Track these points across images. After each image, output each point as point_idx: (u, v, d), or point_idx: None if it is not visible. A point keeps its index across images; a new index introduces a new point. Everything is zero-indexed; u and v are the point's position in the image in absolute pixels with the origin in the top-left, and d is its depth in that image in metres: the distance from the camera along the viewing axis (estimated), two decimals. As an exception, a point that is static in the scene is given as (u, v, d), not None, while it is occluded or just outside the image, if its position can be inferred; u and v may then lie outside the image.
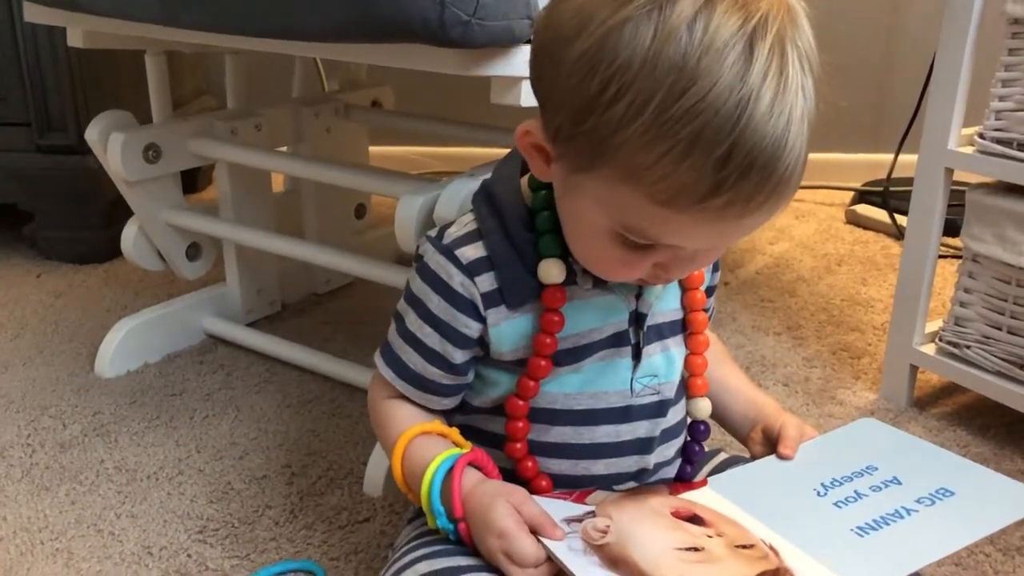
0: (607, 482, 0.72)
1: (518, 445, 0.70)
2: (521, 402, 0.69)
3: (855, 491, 0.69)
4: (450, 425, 0.75)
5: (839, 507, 0.67)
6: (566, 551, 0.61)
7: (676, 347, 0.73)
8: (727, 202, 0.54)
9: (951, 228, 1.09)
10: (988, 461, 1.01)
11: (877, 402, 1.13)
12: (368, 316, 1.37)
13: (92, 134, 1.15)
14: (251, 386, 1.17)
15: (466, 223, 0.69)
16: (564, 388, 0.69)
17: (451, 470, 0.66)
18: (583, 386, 0.69)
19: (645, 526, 0.66)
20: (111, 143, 1.13)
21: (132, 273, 1.51)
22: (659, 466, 0.73)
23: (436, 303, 0.67)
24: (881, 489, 0.69)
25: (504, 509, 0.62)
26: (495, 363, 0.70)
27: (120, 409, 1.12)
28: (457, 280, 0.66)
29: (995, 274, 1.02)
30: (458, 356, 0.68)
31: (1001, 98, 0.98)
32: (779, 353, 1.26)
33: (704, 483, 0.71)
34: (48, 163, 1.52)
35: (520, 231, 0.66)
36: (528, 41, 0.79)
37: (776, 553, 0.63)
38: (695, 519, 0.67)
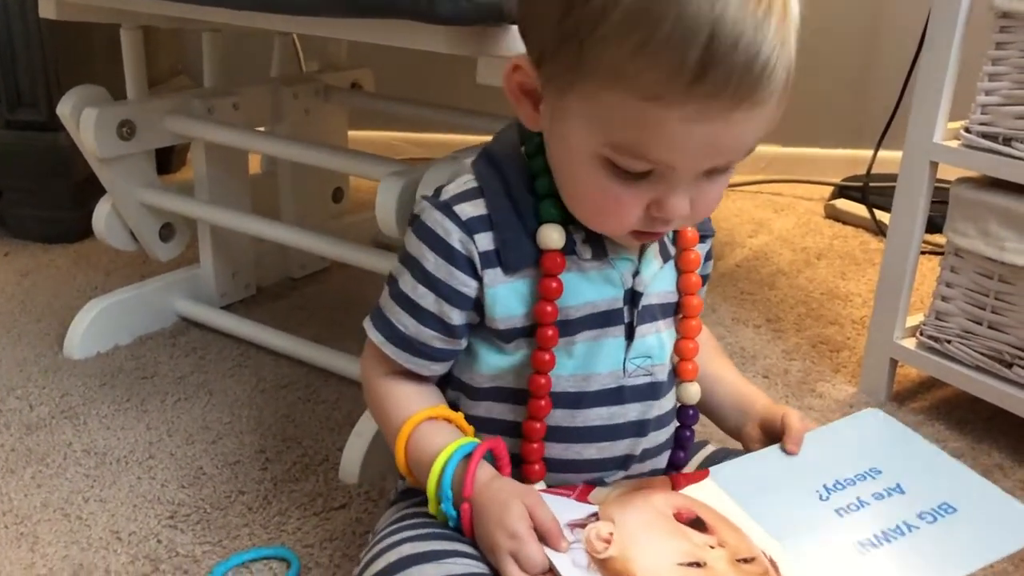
0: (599, 467, 0.71)
1: (537, 425, 0.68)
2: (543, 379, 0.66)
3: (857, 498, 0.68)
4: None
5: (840, 515, 0.66)
6: (570, 567, 0.60)
7: (668, 329, 0.72)
8: (713, 90, 0.53)
9: (932, 225, 1.09)
10: (966, 455, 1.01)
11: (856, 395, 1.13)
12: (344, 301, 1.35)
13: (64, 108, 1.12)
14: (224, 370, 1.15)
15: (465, 181, 0.67)
16: (557, 370, 0.68)
17: (469, 455, 0.65)
18: (576, 368, 0.68)
19: (648, 534, 0.64)
20: (84, 118, 1.10)
21: (103, 253, 1.47)
22: (648, 452, 0.72)
23: (433, 261, 0.65)
24: (883, 498, 0.68)
25: (520, 511, 0.61)
26: (484, 334, 0.68)
27: (89, 391, 1.09)
28: (456, 237, 0.64)
29: (977, 269, 1.02)
30: (456, 316, 0.66)
31: (987, 92, 0.98)
32: (759, 345, 1.26)
33: (705, 474, 0.70)
34: (17, 140, 1.48)
35: (522, 191, 0.65)
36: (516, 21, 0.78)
37: (776, 569, 0.62)
38: (698, 522, 0.66)
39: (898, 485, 0.69)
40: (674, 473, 0.72)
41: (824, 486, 0.69)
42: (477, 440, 0.67)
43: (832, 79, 1.89)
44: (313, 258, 1.41)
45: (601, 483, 0.72)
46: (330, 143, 1.32)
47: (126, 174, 1.18)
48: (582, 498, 0.68)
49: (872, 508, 0.67)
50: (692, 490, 0.70)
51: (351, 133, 1.54)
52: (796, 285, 1.46)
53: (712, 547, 0.63)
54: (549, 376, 0.66)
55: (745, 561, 0.63)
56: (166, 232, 1.26)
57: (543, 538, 0.61)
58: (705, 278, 0.75)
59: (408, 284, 0.67)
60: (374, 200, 0.90)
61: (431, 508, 0.66)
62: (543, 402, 0.67)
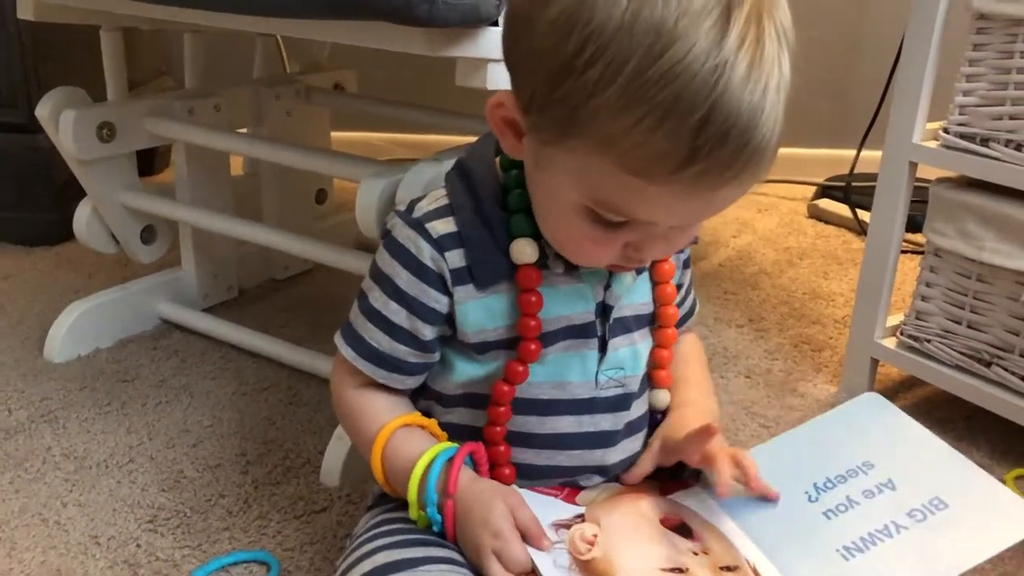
0: (571, 473, 0.71)
1: (498, 429, 0.68)
2: (507, 387, 0.67)
3: (847, 497, 0.67)
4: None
5: (828, 517, 0.66)
6: (551, 567, 0.61)
7: (643, 340, 0.72)
8: (702, 171, 0.53)
9: (912, 224, 1.09)
10: (946, 454, 1.01)
11: (838, 395, 1.14)
12: (327, 303, 1.35)
13: (43, 111, 1.12)
14: (206, 372, 1.15)
15: (437, 197, 0.67)
16: (530, 378, 0.68)
17: (451, 458, 0.65)
18: (548, 376, 0.68)
19: (633, 538, 0.65)
20: (63, 120, 1.10)
21: (84, 256, 1.46)
22: (626, 462, 0.72)
23: (405, 278, 0.66)
24: (873, 496, 0.67)
25: (503, 510, 0.62)
26: (458, 346, 0.68)
27: (69, 395, 1.09)
28: (427, 255, 0.65)
29: (956, 269, 1.02)
30: (428, 332, 0.67)
31: (965, 93, 0.98)
32: (741, 345, 1.26)
33: (694, 481, 0.70)
34: (-3, 141, 1.47)
35: (493, 209, 0.65)
36: (495, 23, 0.78)
37: None
38: (683, 528, 0.66)
39: (889, 480, 0.68)
40: (664, 479, 0.72)
41: (815, 485, 0.68)
42: (456, 445, 0.67)
43: (815, 80, 1.90)
44: (296, 260, 1.41)
45: (580, 486, 0.72)
46: (312, 144, 1.31)
47: (106, 176, 1.17)
48: (569, 499, 0.69)
49: (861, 508, 0.66)
50: (680, 496, 0.70)
51: (334, 134, 1.54)
52: (779, 285, 1.47)
53: (696, 553, 0.64)
54: (514, 386, 0.67)
55: (728, 569, 0.63)
56: (148, 234, 1.25)
57: (525, 538, 0.62)
58: (681, 287, 0.75)
59: (379, 300, 0.67)
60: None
61: (412, 513, 0.66)
62: (503, 408, 0.67)
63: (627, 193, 0.55)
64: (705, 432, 0.66)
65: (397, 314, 0.66)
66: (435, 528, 0.65)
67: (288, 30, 0.91)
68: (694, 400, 0.74)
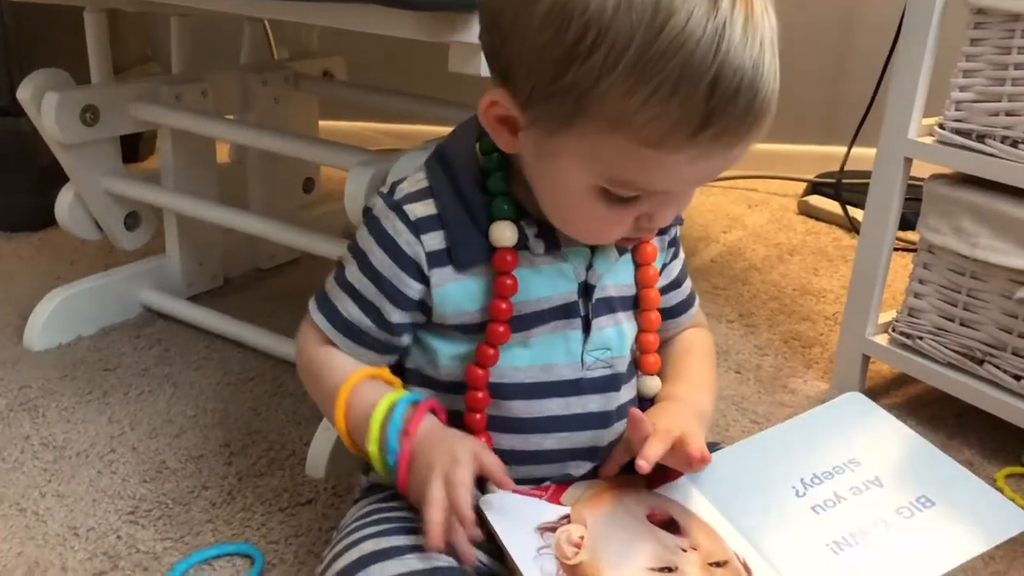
0: (560, 458, 0.70)
1: (477, 416, 0.68)
2: (481, 371, 0.67)
3: (835, 492, 0.67)
4: None
5: (816, 512, 0.66)
6: (538, 574, 0.60)
7: (628, 321, 0.72)
8: (718, 132, 0.54)
9: (904, 222, 1.08)
10: (937, 452, 1.01)
11: (828, 391, 1.13)
12: (313, 293, 1.32)
13: (25, 93, 1.09)
14: (190, 362, 1.13)
15: (418, 180, 0.68)
16: (514, 362, 0.68)
17: (415, 402, 0.65)
18: (533, 360, 0.68)
19: (620, 537, 0.64)
20: (45, 103, 1.07)
21: (67, 242, 1.44)
22: (614, 444, 0.71)
23: (379, 257, 0.66)
24: (861, 492, 0.67)
25: (469, 452, 0.62)
26: (437, 329, 0.68)
27: (49, 383, 1.07)
28: (404, 238, 0.65)
29: (950, 266, 1.02)
30: (395, 315, 0.67)
31: (962, 88, 0.97)
32: (731, 340, 1.25)
33: (680, 473, 0.69)
34: (-23, 125, 1.44)
35: (473, 191, 0.65)
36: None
37: (749, 573, 0.62)
38: (671, 524, 0.65)
39: (876, 478, 0.68)
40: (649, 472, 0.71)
41: (802, 480, 0.68)
42: (419, 394, 0.67)
43: (806, 76, 1.89)
44: (282, 249, 1.39)
45: (570, 478, 0.71)
46: (300, 132, 1.29)
47: (90, 161, 1.15)
48: (554, 499, 0.67)
49: (849, 504, 0.66)
50: (667, 489, 0.69)
51: (322, 123, 1.52)
52: (769, 281, 1.46)
53: (684, 550, 0.63)
54: (488, 369, 0.67)
55: (718, 565, 0.62)
56: (131, 221, 1.23)
57: (490, 476, 0.62)
58: (666, 269, 0.75)
59: (354, 275, 0.68)
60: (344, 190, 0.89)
61: (371, 452, 0.64)
62: (480, 394, 0.67)
63: (643, 167, 0.56)
64: (636, 421, 0.66)
65: (368, 290, 0.67)
66: (389, 480, 0.64)
67: (276, 12, 0.89)
68: (677, 395, 0.73)
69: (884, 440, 0.72)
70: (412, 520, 0.65)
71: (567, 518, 0.66)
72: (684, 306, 0.78)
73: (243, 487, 0.90)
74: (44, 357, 1.12)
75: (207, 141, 1.23)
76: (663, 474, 0.70)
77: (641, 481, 0.69)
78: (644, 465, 0.63)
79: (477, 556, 0.67)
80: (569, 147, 0.58)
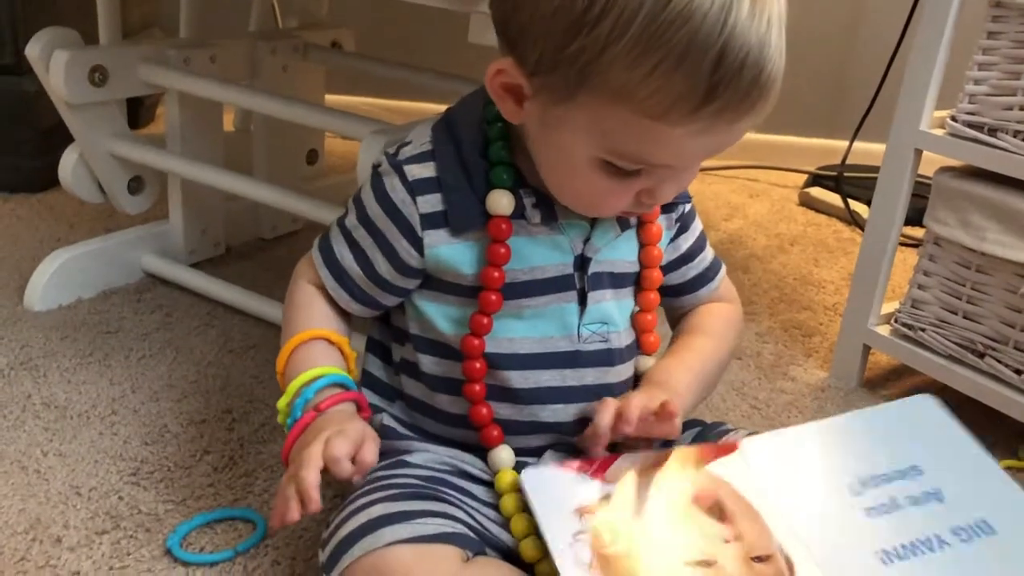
0: (558, 429, 0.71)
1: (476, 387, 0.68)
2: (476, 340, 0.68)
3: (891, 498, 0.64)
4: (396, 360, 0.74)
5: (870, 516, 0.62)
6: (571, 565, 0.59)
7: (627, 298, 0.72)
8: (721, 107, 0.55)
9: (907, 218, 1.08)
10: (935, 443, 1.01)
11: (828, 380, 1.14)
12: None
13: (34, 50, 1.08)
14: (191, 328, 1.12)
15: (423, 143, 0.68)
16: (509, 333, 0.68)
17: (341, 384, 0.67)
18: (529, 331, 0.69)
19: (660, 525, 0.62)
20: (54, 61, 1.06)
21: (68, 204, 1.43)
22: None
23: (375, 211, 0.68)
24: (919, 503, 0.63)
25: (359, 431, 0.62)
26: (431, 294, 0.69)
27: (51, 343, 1.06)
28: (399, 196, 0.67)
29: (955, 258, 1.02)
30: (382, 267, 0.68)
31: (976, 81, 0.97)
32: (732, 327, 1.25)
33: (735, 447, 0.67)
34: (-20, 83, 1.43)
35: (474, 157, 0.66)
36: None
37: (792, 571, 0.60)
38: (717, 508, 0.63)
39: (937, 491, 0.64)
40: (703, 444, 0.69)
41: (859, 479, 0.65)
42: (355, 383, 0.69)
43: (811, 69, 1.89)
44: (285, 219, 1.39)
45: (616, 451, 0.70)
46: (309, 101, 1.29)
47: (96, 122, 1.14)
48: (599, 474, 0.66)
49: (905, 513, 0.63)
50: (718, 466, 0.66)
51: (329, 97, 1.51)
52: (770, 270, 1.46)
53: (727, 541, 0.61)
54: (483, 338, 0.68)
55: (759, 559, 0.60)
56: (135, 185, 1.22)
57: (358, 466, 0.61)
58: (672, 243, 0.75)
59: (351, 222, 0.70)
60: (348, 164, 0.89)
61: (280, 402, 0.68)
62: (477, 364, 0.68)
63: (645, 140, 0.57)
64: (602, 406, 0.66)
65: (363, 239, 0.69)
66: (286, 430, 0.67)
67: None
68: (657, 380, 0.72)
69: (951, 452, 0.67)
70: (421, 486, 0.66)
71: (609, 499, 0.64)
72: (702, 280, 0.78)
73: (245, 453, 0.90)
74: (45, 317, 1.12)
75: (214, 106, 1.23)
76: (718, 448, 0.68)
77: (693, 455, 0.67)
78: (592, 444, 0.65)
79: (484, 524, 0.67)
80: (573, 118, 0.58)
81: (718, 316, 0.78)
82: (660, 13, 0.52)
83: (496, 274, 0.66)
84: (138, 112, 1.79)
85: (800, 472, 0.66)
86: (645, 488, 0.65)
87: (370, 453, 0.61)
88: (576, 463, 0.66)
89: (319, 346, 0.70)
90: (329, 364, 0.69)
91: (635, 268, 0.72)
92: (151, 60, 1.14)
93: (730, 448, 0.67)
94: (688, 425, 0.78)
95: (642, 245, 0.72)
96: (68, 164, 1.17)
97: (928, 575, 0.59)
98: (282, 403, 0.68)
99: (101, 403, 0.96)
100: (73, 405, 0.95)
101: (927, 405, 0.71)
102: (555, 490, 0.64)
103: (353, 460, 0.60)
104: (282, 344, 0.71)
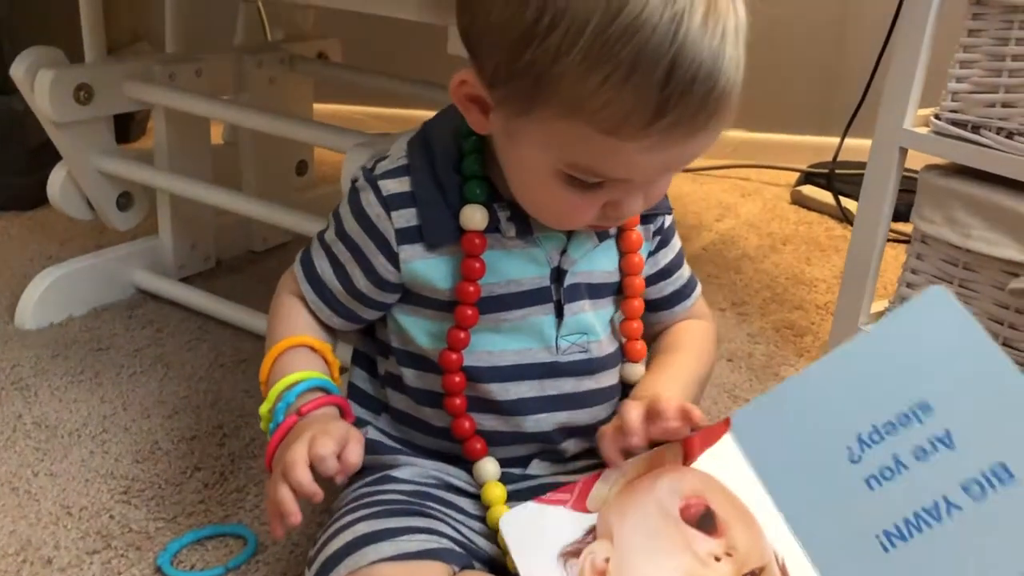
0: (541, 438, 0.71)
1: (456, 400, 0.68)
2: (454, 355, 0.68)
3: (894, 456, 0.57)
4: (382, 373, 0.74)
5: (871, 487, 0.57)
6: None
7: (606, 308, 0.72)
8: (672, 122, 0.54)
9: (897, 214, 1.09)
10: (926, 441, 1.01)
11: (820, 380, 1.13)
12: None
13: (19, 70, 1.08)
14: (182, 343, 1.12)
15: (399, 158, 0.68)
16: (487, 347, 0.68)
17: (323, 389, 0.67)
18: (507, 344, 0.69)
19: (649, 550, 0.60)
20: (39, 80, 1.07)
21: (58, 222, 1.43)
22: (594, 427, 0.71)
23: (351, 225, 0.68)
24: (926, 456, 0.56)
25: (343, 430, 0.62)
26: (410, 308, 0.69)
27: (41, 362, 1.06)
28: (374, 211, 0.67)
29: (943, 256, 1.02)
30: (360, 281, 0.68)
31: (959, 79, 0.98)
32: (724, 329, 1.26)
33: (724, 428, 0.63)
34: (-32, 103, 1.43)
35: (448, 172, 0.66)
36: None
37: None
38: (707, 519, 0.61)
39: (947, 433, 0.56)
40: (689, 435, 0.65)
41: (859, 438, 0.58)
42: (339, 388, 0.69)
43: (801, 66, 1.89)
44: (275, 232, 1.39)
45: (555, 454, 0.71)
46: (295, 114, 1.29)
47: (83, 140, 1.14)
48: (580, 503, 0.64)
49: (910, 474, 0.56)
50: (708, 459, 0.63)
51: (317, 107, 1.51)
52: (762, 270, 1.46)
53: (718, 559, 0.59)
54: (460, 352, 0.68)
55: (753, 574, 0.58)
56: (124, 201, 1.22)
57: (343, 464, 0.60)
58: (653, 258, 0.74)
59: (331, 236, 0.70)
60: (339, 174, 0.89)
61: (262, 408, 0.68)
62: (456, 377, 0.68)
63: (601, 154, 0.56)
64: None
65: (341, 253, 0.69)
66: (267, 434, 0.66)
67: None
68: (643, 395, 0.70)
69: (966, 365, 0.57)
70: (406, 503, 0.66)
71: (593, 532, 0.63)
72: (678, 297, 0.77)
73: (236, 468, 0.90)
74: (36, 336, 1.12)
75: (201, 121, 1.23)
76: (704, 435, 0.64)
77: (678, 452, 0.64)
78: (636, 440, 0.62)
79: (471, 537, 0.67)
80: (532, 130, 0.58)
81: (696, 333, 0.78)
82: (609, 25, 0.51)
83: (471, 288, 0.66)
84: (128, 126, 1.79)
85: (792, 440, 0.60)
86: (630, 506, 0.63)
87: (354, 453, 0.61)
88: (555, 495, 0.65)
89: (301, 352, 0.70)
90: (311, 369, 0.69)
91: (614, 278, 0.72)
92: (136, 76, 1.15)
93: (719, 431, 0.63)
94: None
95: (623, 253, 0.71)
96: (56, 182, 1.18)
97: (932, 560, 0.54)
98: (264, 409, 0.68)
99: (92, 421, 0.96)
100: (64, 424, 0.95)
101: (939, 302, 0.60)
102: (537, 533, 0.63)
103: (338, 458, 0.60)
104: (265, 353, 0.71)
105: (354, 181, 0.70)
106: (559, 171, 0.59)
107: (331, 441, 0.60)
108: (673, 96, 0.52)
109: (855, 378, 0.60)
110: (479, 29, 0.58)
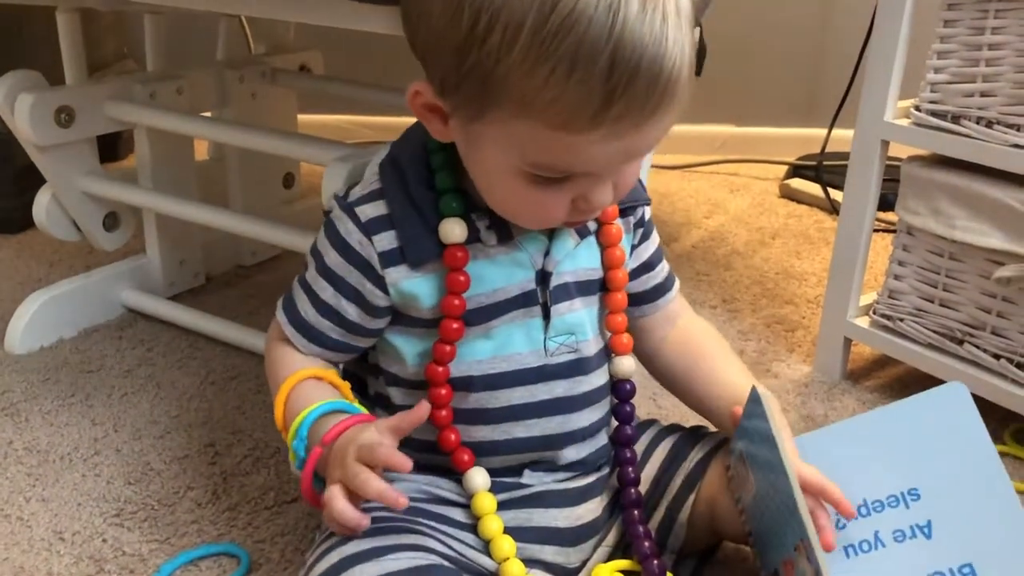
0: (533, 445, 0.71)
1: (443, 412, 0.68)
2: (440, 368, 0.68)
3: (875, 533, 0.61)
4: (370, 393, 0.75)
5: (848, 556, 0.60)
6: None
7: (594, 305, 0.72)
8: (621, 112, 0.53)
9: (883, 203, 1.09)
10: (919, 433, 1.01)
11: (811, 375, 1.14)
12: (297, 289, 1.32)
13: (-2, 95, 1.08)
14: (173, 362, 1.12)
15: (370, 183, 0.68)
16: (476, 355, 0.68)
17: (341, 411, 0.66)
18: (496, 350, 0.69)
19: None
20: (19, 105, 1.07)
21: (46, 244, 1.43)
22: (585, 431, 0.72)
23: (333, 259, 0.68)
24: (904, 539, 0.60)
25: (371, 427, 0.62)
26: (400, 329, 0.69)
27: (32, 387, 1.06)
28: (355, 238, 0.66)
29: (928, 247, 1.02)
30: (352, 313, 0.68)
31: (936, 70, 0.97)
32: (714, 326, 1.25)
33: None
34: (-48, 127, 1.43)
35: (421, 190, 0.66)
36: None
37: None
38: None
39: (928, 523, 0.60)
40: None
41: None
42: (359, 406, 0.68)
43: (786, 58, 1.89)
44: (264, 245, 1.39)
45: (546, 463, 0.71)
46: (278, 127, 1.29)
47: (66, 162, 1.14)
48: None
49: (885, 553, 0.60)
50: None
51: (301, 117, 1.51)
52: (751, 265, 1.46)
53: None
54: (447, 366, 0.67)
55: None
56: (110, 221, 1.22)
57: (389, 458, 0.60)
58: (635, 251, 0.75)
59: (312, 275, 0.69)
60: (323, 185, 0.89)
61: (287, 438, 0.67)
62: (442, 390, 0.68)
63: (557, 150, 0.56)
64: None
65: (324, 291, 0.69)
66: (296, 466, 0.66)
67: (249, 9, 0.89)
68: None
69: (959, 463, 0.61)
70: (394, 519, 0.66)
71: None
72: (660, 290, 0.78)
73: (228, 486, 0.90)
74: (25, 360, 1.12)
75: (184, 139, 1.23)
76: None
77: None
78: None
79: (461, 551, 0.67)
80: (488, 134, 0.58)
81: (711, 332, 0.81)
82: (545, 22, 0.51)
83: (456, 302, 0.66)
84: (116, 145, 1.79)
85: (781, 508, 0.61)
86: None
87: (393, 456, 0.60)
88: None
89: (306, 385, 0.69)
90: (317, 399, 0.67)
91: (599, 274, 0.72)
92: (117, 97, 1.15)
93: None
94: (673, 429, 0.80)
95: (603, 248, 0.72)
96: (42, 204, 1.18)
97: None
98: (291, 451, 0.67)
99: (83, 444, 0.96)
100: (55, 448, 0.95)
101: (957, 397, 0.65)
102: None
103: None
104: (274, 402, 0.69)
105: (328, 212, 0.69)
106: (522, 171, 0.59)
107: (373, 433, 0.60)
108: (619, 86, 0.52)
109: (859, 451, 0.64)
110: (423, 39, 0.59)
